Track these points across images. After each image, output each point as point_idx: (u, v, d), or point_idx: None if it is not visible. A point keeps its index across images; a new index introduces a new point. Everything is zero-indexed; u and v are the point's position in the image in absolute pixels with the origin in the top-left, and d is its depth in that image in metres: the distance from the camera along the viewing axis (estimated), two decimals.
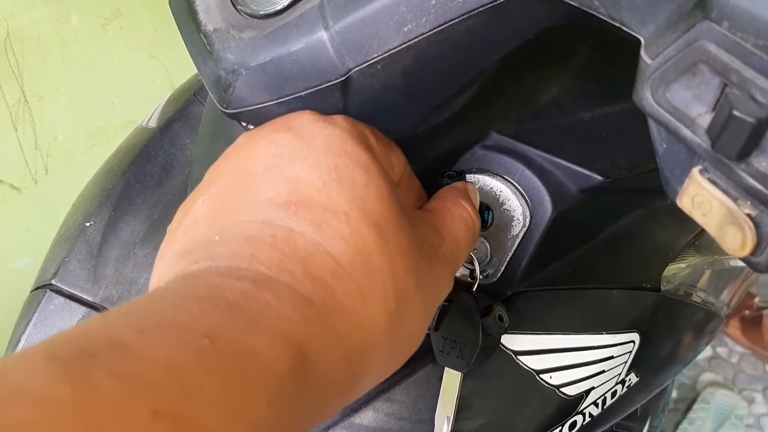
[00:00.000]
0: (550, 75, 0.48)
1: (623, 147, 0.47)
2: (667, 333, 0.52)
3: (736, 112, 0.23)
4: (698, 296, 0.60)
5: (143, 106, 1.21)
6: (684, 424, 1.36)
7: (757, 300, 1.52)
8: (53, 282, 0.50)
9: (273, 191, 0.30)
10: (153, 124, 0.58)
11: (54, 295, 0.49)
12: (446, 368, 0.42)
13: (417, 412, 0.42)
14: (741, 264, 0.65)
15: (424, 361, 0.44)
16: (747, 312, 1.50)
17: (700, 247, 0.56)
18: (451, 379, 0.42)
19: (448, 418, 0.42)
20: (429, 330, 0.43)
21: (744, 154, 0.25)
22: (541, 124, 0.47)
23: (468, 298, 0.42)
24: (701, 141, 0.26)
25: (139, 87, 1.16)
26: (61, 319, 0.48)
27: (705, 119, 0.26)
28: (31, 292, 0.52)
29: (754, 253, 0.27)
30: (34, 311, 0.49)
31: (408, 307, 0.30)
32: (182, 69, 1.17)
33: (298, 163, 0.31)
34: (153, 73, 1.15)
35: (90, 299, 0.49)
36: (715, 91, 0.25)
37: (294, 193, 0.29)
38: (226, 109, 0.38)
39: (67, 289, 0.50)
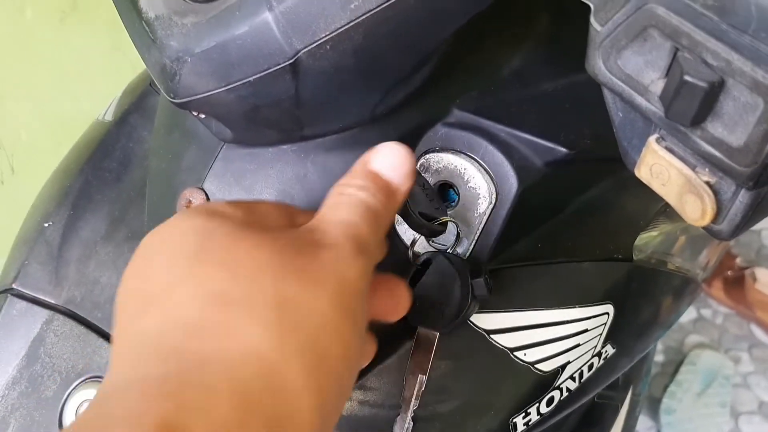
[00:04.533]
0: (510, 45, 0.47)
1: (587, 117, 0.46)
2: (642, 302, 0.52)
3: (687, 77, 0.23)
4: (673, 263, 0.59)
5: (107, 100, 1.18)
6: (672, 387, 1.37)
7: (738, 260, 1.53)
8: (14, 286, 0.49)
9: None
10: (109, 117, 0.56)
11: (15, 299, 0.48)
12: (420, 331, 0.42)
13: (391, 398, 0.41)
14: None
15: (395, 345, 0.43)
16: (729, 273, 1.51)
17: (671, 214, 0.55)
18: (425, 342, 0.41)
19: (422, 378, 0.41)
20: None
21: (698, 120, 0.24)
22: (503, 97, 0.46)
23: (455, 258, 0.41)
24: (655, 108, 0.25)
25: (102, 81, 1.13)
26: (24, 323, 0.47)
27: (658, 85, 0.25)
28: None
29: (715, 220, 0.26)
30: None
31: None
32: None
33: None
34: (116, 65, 1.12)
35: (53, 301, 0.48)
36: (667, 56, 0.24)
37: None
38: (173, 98, 0.37)
39: (28, 292, 0.48)
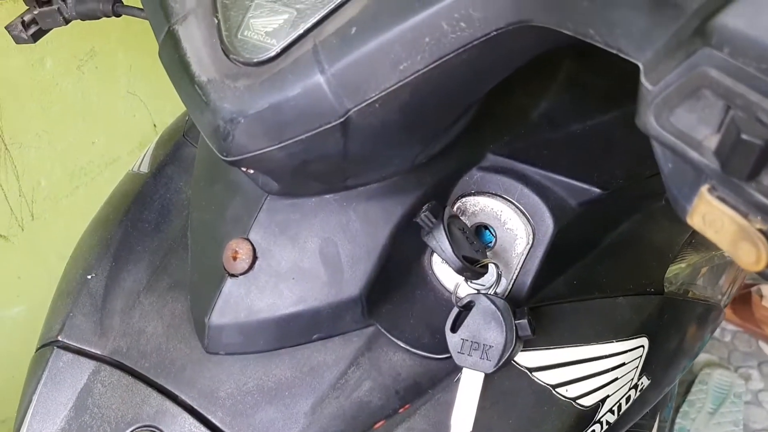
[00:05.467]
0: (538, 91, 0.49)
1: (618, 157, 0.47)
2: (674, 333, 0.53)
3: (744, 136, 0.24)
4: (695, 292, 0.61)
5: (125, 143, 1.20)
6: (684, 407, 1.37)
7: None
8: (59, 338, 0.50)
9: None
10: (145, 169, 0.58)
11: (62, 351, 0.49)
12: (465, 372, 0.43)
13: None
14: None
15: (440, 387, 0.44)
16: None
17: (697, 244, 0.57)
18: (471, 382, 0.42)
19: (469, 418, 0.42)
20: (444, 332, 0.43)
21: (754, 174, 0.25)
22: (535, 140, 0.47)
23: (498, 300, 0.42)
24: (709, 162, 0.27)
25: (119, 124, 1.15)
26: (71, 375, 0.48)
27: (712, 141, 0.26)
28: (37, 350, 0.52)
29: None
30: (43, 369, 0.49)
31: None
32: (161, 103, 1.16)
33: None
34: (132, 109, 1.14)
35: (99, 352, 0.49)
36: (719, 114, 0.26)
37: None
38: (226, 157, 0.38)
39: (74, 344, 0.49)
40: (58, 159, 1.09)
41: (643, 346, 0.48)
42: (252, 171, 0.40)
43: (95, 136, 1.13)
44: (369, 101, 0.35)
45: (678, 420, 1.35)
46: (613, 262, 0.50)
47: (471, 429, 0.42)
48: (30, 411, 0.48)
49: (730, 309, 1.51)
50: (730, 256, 0.28)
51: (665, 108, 0.27)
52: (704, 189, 0.28)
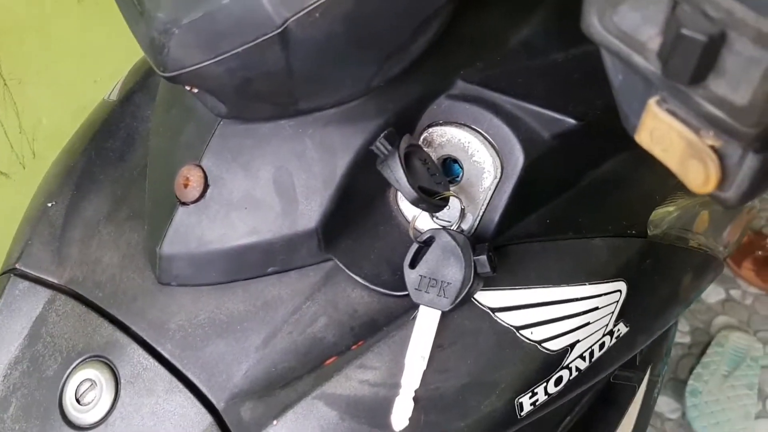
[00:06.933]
0: (518, 15, 0.45)
1: (598, 87, 0.44)
2: (657, 280, 0.50)
3: (684, 30, 0.21)
4: (694, 240, 0.57)
5: None
6: (698, 369, 1.34)
7: None
8: (17, 266, 0.49)
9: None
10: (114, 97, 0.56)
11: (18, 279, 0.48)
12: (421, 309, 0.41)
13: (391, 377, 0.40)
14: None
15: (396, 324, 0.42)
16: (759, 253, 1.47)
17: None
18: (427, 320, 0.40)
19: (423, 357, 0.40)
20: (403, 269, 0.41)
21: (698, 78, 0.22)
22: (510, 69, 0.44)
23: (458, 235, 0.40)
24: (653, 67, 0.24)
25: (121, 63, 1.12)
26: (26, 303, 0.47)
27: (656, 42, 0.23)
28: None
29: (720, 187, 0.25)
30: None
31: None
32: None
33: None
34: (135, 46, 1.11)
35: (55, 281, 0.47)
36: (665, 10, 0.23)
37: None
38: (163, 72, 0.36)
39: (31, 272, 0.48)
40: (59, 97, 1.08)
41: (620, 291, 0.45)
42: (196, 90, 0.38)
43: (97, 74, 1.11)
44: (308, 9, 0.32)
45: (690, 381, 1.33)
46: (593, 202, 0.47)
47: (425, 368, 0.40)
48: None
49: (753, 271, 1.48)
50: (679, 176, 0.25)
51: (608, 6, 0.24)
52: (652, 101, 0.25)
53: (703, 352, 1.37)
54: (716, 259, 0.62)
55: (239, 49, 0.34)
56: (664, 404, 1.31)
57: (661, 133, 0.25)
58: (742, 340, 1.38)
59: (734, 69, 0.21)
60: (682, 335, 1.40)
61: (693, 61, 0.21)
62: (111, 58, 1.11)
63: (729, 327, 1.42)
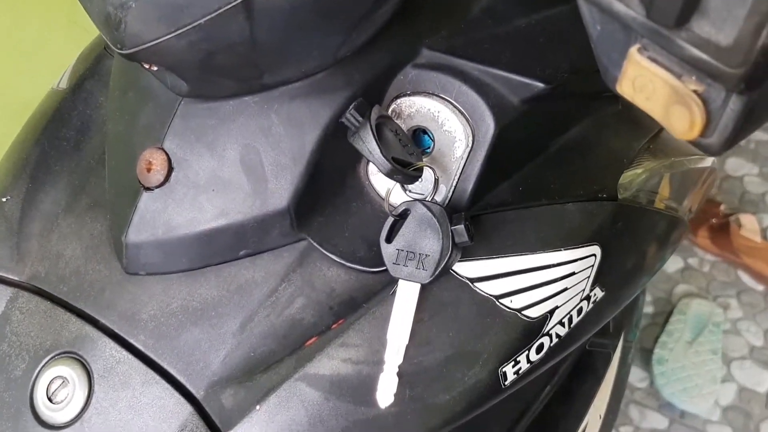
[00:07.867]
0: None
1: (564, 50, 0.44)
2: (629, 242, 0.50)
3: None
4: (661, 202, 0.58)
5: None
6: (663, 337, 1.37)
7: (722, 207, 1.52)
8: None
9: None
10: (64, 85, 0.53)
11: None
12: (401, 284, 0.40)
13: (374, 354, 0.40)
14: (698, 165, 0.63)
15: (375, 300, 0.41)
16: (714, 220, 1.51)
17: (655, 150, 0.54)
18: (407, 294, 0.40)
19: (405, 331, 0.39)
20: (379, 244, 0.40)
21: (683, 19, 0.22)
22: (475, 35, 0.43)
23: (434, 206, 0.40)
24: (635, 13, 0.23)
25: (61, 56, 1.08)
26: None
27: None
28: None
29: (704, 133, 0.25)
30: None
31: None
32: None
33: None
34: (74, 39, 1.08)
35: (16, 278, 0.45)
36: None
37: None
38: (121, 49, 0.34)
39: None
40: None
41: (594, 255, 0.46)
42: (156, 68, 0.37)
43: (36, 69, 1.07)
44: None
45: (656, 350, 1.36)
46: (563, 167, 0.46)
47: (407, 342, 0.40)
48: None
49: (709, 239, 1.51)
50: (663, 125, 0.25)
51: None
52: (633, 49, 0.25)
53: (666, 321, 1.40)
54: (682, 220, 0.63)
55: (201, 21, 0.32)
56: (633, 373, 1.33)
57: (644, 81, 0.25)
58: (702, 307, 1.41)
59: (718, 8, 0.21)
60: (645, 306, 1.42)
61: (678, 2, 0.21)
62: (50, 52, 1.07)
63: (689, 295, 1.46)
